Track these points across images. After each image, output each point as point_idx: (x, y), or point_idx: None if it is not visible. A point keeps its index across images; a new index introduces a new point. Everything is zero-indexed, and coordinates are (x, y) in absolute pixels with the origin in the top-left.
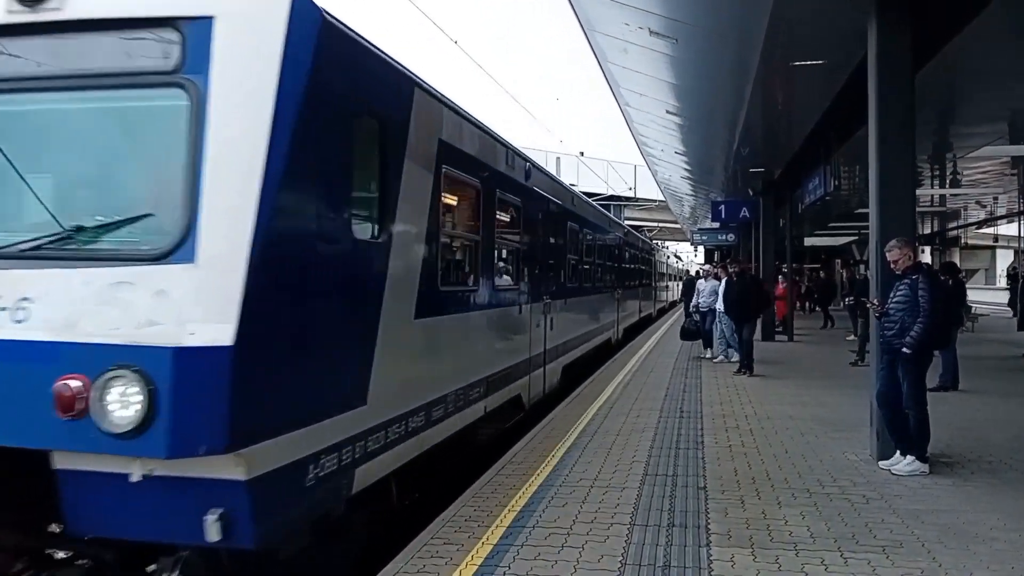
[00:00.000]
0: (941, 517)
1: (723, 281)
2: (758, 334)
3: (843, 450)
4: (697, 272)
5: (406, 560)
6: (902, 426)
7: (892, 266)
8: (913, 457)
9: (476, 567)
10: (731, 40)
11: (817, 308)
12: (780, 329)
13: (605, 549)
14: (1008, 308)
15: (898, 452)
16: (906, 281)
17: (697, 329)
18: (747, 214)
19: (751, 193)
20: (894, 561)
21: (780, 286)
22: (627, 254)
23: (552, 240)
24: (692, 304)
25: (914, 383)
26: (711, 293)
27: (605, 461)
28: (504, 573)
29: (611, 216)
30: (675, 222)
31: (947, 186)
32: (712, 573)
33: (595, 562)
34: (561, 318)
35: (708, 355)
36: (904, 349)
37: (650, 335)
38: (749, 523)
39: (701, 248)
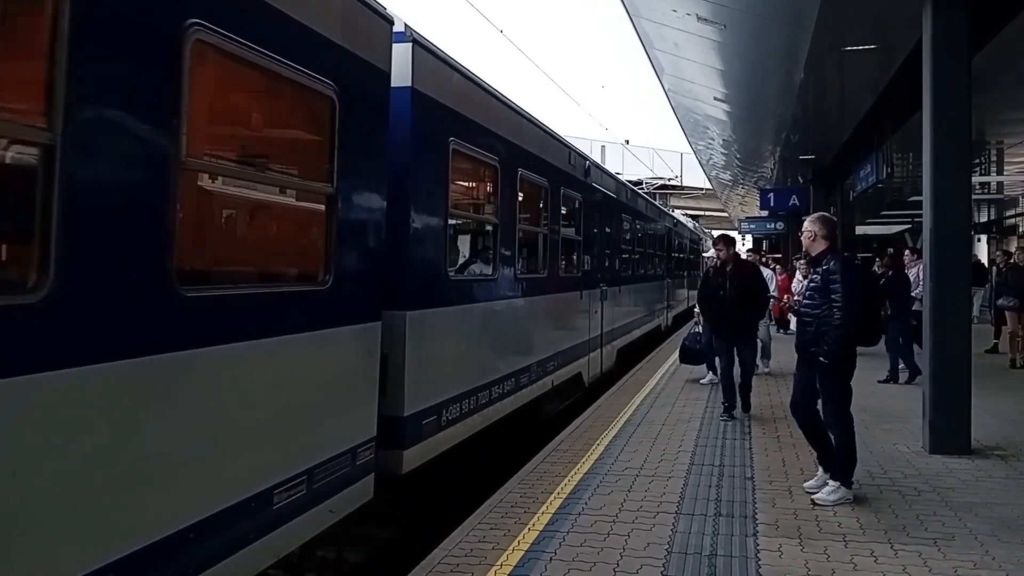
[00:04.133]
0: (995, 510)
1: (704, 274)
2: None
3: (894, 442)
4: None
5: (453, 544)
6: (825, 444)
7: (806, 248)
8: (838, 483)
9: (523, 552)
10: (781, 25)
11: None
12: (781, 331)
13: (651, 537)
14: None
15: (820, 471)
16: (818, 271)
17: (700, 350)
18: (796, 202)
19: (801, 180)
20: (946, 554)
21: (779, 277)
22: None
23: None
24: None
25: (835, 397)
26: None
27: (651, 450)
28: (551, 558)
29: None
30: (722, 210)
31: (1003, 173)
32: (759, 563)
33: (641, 550)
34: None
35: (706, 380)
36: (820, 358)
37: None
38: (797, 513)
39: (749, 236)
